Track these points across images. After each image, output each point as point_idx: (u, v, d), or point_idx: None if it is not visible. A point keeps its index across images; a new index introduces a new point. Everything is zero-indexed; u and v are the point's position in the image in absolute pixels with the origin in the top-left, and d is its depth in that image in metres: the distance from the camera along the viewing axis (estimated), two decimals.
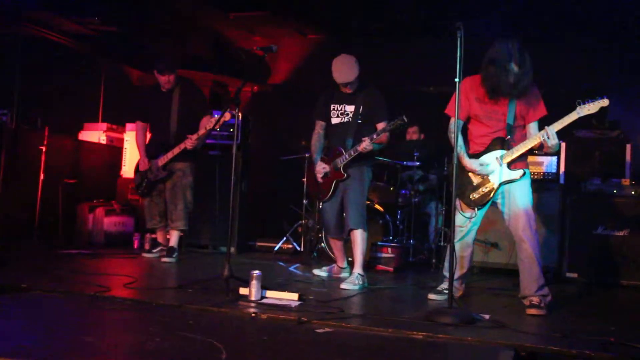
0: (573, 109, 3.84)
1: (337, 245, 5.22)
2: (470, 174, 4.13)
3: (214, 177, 6.02)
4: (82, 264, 5.20)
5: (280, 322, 3.27)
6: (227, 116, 5.10)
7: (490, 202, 4.12)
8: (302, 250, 6.89)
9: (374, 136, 4.63)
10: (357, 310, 3.75)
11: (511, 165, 4.03)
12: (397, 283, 5.21)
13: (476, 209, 4.14)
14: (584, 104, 3.81)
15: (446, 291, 4.19)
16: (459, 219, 4.10)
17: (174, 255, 5.65)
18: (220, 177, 5.98)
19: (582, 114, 3.82)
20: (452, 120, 4.14)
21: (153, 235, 6.17)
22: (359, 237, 4.79)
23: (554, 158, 5.95)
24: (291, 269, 5.74)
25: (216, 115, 5.81)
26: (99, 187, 7.47)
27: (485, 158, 4.08)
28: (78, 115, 7.98)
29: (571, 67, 6.81)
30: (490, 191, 4.06)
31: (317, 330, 3.11)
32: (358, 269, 4.75)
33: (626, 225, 5.52)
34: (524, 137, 4.04)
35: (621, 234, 5.52)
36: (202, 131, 5.53)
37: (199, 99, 5.89)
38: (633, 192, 5.59)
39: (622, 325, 3.74)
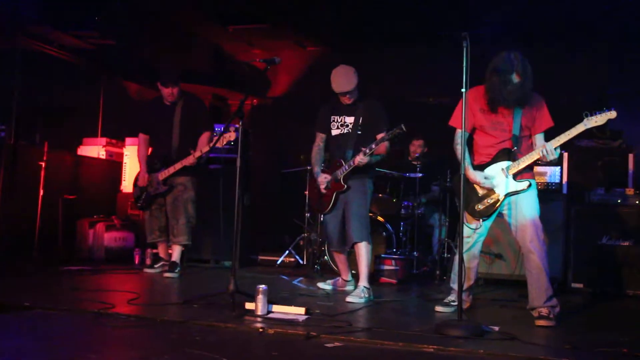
0: (577, 119, 3.82)
1: (340, 259, 5.18)
2: (475, 185, 4.11)
3: (215, 191, 5.98)
4: (84, 280, 5.15)
5: (289, 337, 3.23)
6: (232, 136, 5.04)
7: (495, 214, 4.10)
8: (305, 263, 6.84)
9: (372, 146, 4.60)
10: (364, 324, 3.71)
11: (517, 176, 4.01)
12: (402, 295, 5.17)
13: (481, 220, 4.11)
14: (591, 115, 3.79)
15: (453, 303, 4.17)
16: (464, 230, 4.07)
17: (176, 270, 5.59)
18: (223, 191, 5.94)
19: (589, 126, 3.80)
20: (457, 131, 4.13)
21: (154, 251, 6.11)
22: (363, 250, 4.75)
23: (557, 168, 5.93)
24: (295, 282, 5.69)
25: (217, 129, 5.79)
26: (99, 202, 7.41)
27: (491, 170, 4.06)
28: (77, 130, 7.93)
29: (572, 76, 6.81)
30: (495, 202, 4.04)
31: (327, 345, 3.07)
32: (363, 282, 4.71)
33: (631, 235, 5.49)
34: (530, 148, 4.02)
35: (626, 243, 5.49)
36: (205, 149, 5.48)
37: (201, 114, 5.84)
38: (637, 202, 5.57)
39: (632, 336, 3.69)
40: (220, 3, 7.17)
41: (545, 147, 3.82)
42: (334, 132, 4.95)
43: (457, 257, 4.14)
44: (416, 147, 7.06)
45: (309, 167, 5.93)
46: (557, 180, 5.95)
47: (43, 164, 6.47)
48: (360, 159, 4.60)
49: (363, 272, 4.74)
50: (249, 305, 3.78)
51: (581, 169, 6.15)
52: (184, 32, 8.16)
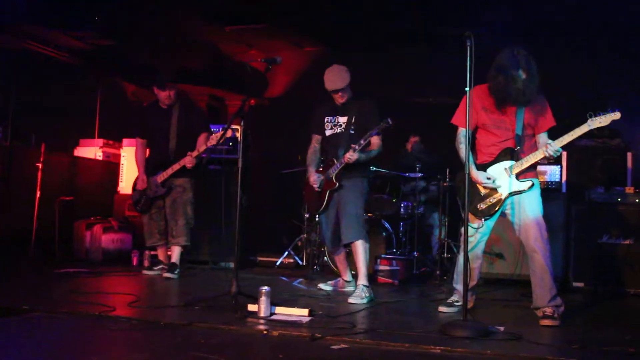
0: (577, 119, 3.81)
1: (339, 259, 5.17)
2: (477, 184, 4.09)
3: (214, 192, 5.93)
4: (82, 282, 5.09)
5: (293, 338, 3.20)
6: (228, 133, 5.02)
7: (498, 213, 4.07)
8: (304, 264, 6.81)
9: (361, 142, 4.59)
10: (368, 325, 3.67)
11: (520, 175, 3.99)
12: (404, 296, 5.14)
13: (483, 219, 4.09)
14: (595, 116, 3.77)
15: (457, 303, 4.15)
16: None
17: (176, 272, 5.55)
18: (223, 192, 5.91)
19: (593, 127, 3.78)
20: (460, 130, 4.10)
21: (152, 252, 6.07)
22: (360, 249, 4.73)
23: (557, 167, 5.93)
24: (295, 283, 5.66)
25: (214, 130, 5.76)
26: (96, 203, 7.35)
27: (494, 169, 4.04)
28: (74, 131, 7.88)
29: (571, 76, 6.80)
30: (497, 202, 4.02)
31: (333, 347, 3.04)
32: (362, 281, 4.69)
33: (631, 233, 5.48)
34: (533, 147, 4.00)
35: (627, 242, 5.49)
36: (202, 148, 5.45)
37: (198, 116, 5.83)
38: (637, 200, 5.56)
39: (635, 335, 3.68)
40: (217, 3, 7.12)
41: (549, 147, 3.80)
42: (328, 132, 4.96)
43: (460, 257, 4.13)
44: (412, 144, 7.13)
45: None
46: (557, 180, 5.95)
47: (40, 166, 6.42)
48: (350, 155, 4.60)
49: (361, 271, 4.72)
50: (251, 307, 3.75)
51: (580, 168, 6.15)
52: (182, 32, 8.10)
